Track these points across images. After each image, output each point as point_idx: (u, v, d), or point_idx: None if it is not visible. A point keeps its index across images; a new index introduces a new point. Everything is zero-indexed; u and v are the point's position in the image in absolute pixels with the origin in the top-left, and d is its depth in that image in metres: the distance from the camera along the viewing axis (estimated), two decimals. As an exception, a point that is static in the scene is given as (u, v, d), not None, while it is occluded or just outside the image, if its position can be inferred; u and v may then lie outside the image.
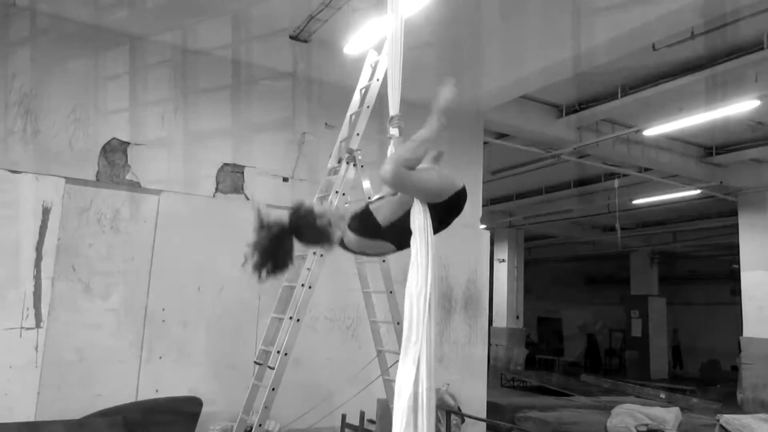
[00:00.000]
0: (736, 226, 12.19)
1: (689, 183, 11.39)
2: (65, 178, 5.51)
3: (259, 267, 2.49)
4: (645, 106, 8.38)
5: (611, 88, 8.20)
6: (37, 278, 5.25)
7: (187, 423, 5.46)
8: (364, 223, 2.58)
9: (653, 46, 6.57)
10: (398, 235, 2.50)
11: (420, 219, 2.42)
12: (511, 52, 6.89)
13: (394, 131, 2.78)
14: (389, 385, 4.91)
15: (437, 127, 2.41)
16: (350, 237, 2.61)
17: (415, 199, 2.46)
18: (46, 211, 5.36)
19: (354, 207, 2.76)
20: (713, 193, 11.77)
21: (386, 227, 2.53)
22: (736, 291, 12.85)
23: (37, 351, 5.16)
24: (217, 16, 6.36)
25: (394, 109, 2.78)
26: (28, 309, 5.17)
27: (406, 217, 2.46)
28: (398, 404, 2.21)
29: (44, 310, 5.24)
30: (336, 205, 2.73)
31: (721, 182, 11.04)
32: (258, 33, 6.57)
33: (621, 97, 8.11)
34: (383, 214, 2.53)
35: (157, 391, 5.64)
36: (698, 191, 11.66)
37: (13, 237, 5.21)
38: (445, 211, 2.53)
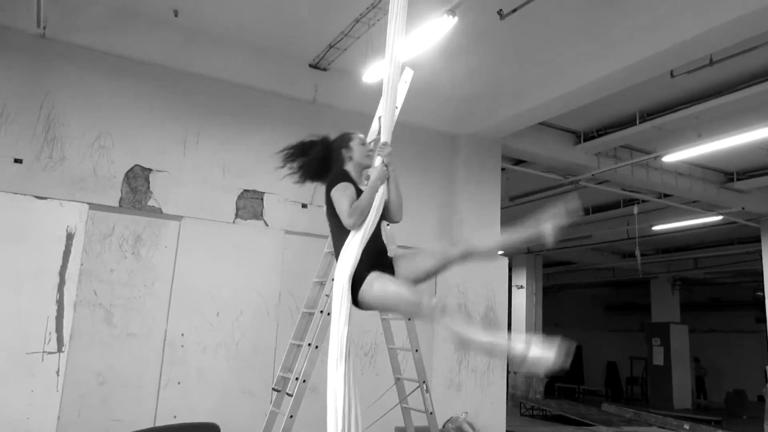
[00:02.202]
0: (759, 253, 11.97)
1: (710, 209, 11.24)
2: (89, 203, 5.61)
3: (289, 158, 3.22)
4: (663, 132, 8.34)
5: (629, 114, 8.19)
6: (60, 303, 5.32)
7: (205, 450, 5.44)
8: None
9: (671, 73, 6.57)
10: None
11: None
12: (529, 80, 6.93)
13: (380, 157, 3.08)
14: (407, 413, 4.87)
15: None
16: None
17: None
18: (69, 237, 5.45)
19: None
20: (735, 219, 11.58)
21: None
22: (762, 319, 12.55)
23: (58, 375, 5.20)
24: (238, 46, 6.50)
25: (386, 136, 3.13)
26: (50, 333, 5.23)
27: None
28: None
29: (66, 335, 5.30)
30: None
31: (743, 208, 10.86)
32: (278, 61, 6.70)
33: (639, 123, 8.09)
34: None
35: (175, 417, 5.64)
36: (720, 217, 11.48)
37: (37, 262, 5.30)
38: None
